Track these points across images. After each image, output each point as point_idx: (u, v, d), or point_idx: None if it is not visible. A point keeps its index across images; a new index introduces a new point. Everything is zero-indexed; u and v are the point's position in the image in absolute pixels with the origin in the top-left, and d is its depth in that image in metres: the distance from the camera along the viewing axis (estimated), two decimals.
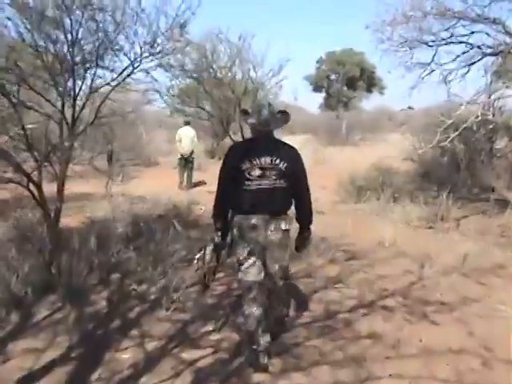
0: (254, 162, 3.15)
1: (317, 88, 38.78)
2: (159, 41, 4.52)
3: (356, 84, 37.10)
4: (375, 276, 4.96)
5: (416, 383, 3.05)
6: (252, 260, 3.22)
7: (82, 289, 4.37)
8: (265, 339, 3.22)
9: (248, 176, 3.15)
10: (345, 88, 37.35)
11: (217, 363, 3.26)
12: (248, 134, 3.67)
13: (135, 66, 4.54)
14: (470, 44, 7.43)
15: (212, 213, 3.36)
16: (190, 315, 3.97)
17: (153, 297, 4.30)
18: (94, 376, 3.08)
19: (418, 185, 9.76)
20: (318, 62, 38.28)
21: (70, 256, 4.61)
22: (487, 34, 7.23)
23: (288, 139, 4.37)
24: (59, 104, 4.28)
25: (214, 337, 3.62)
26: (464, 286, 4.72)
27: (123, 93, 5.28)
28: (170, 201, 7.70)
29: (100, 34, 4.29)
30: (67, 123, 4.32)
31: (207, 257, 3.35)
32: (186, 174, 11.72)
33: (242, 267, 3.25)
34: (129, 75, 4.58)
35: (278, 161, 3.18)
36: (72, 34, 4.16)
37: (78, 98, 4.40)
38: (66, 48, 4.19)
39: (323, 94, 39.28)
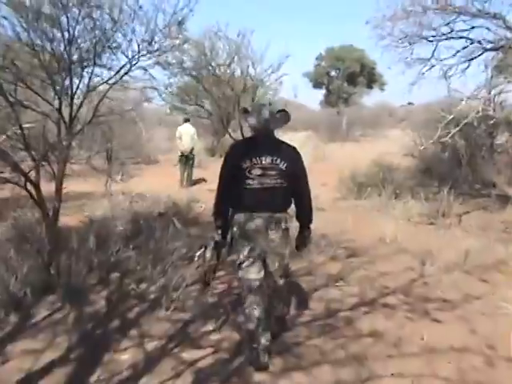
0: (255, 162, 3.16)
1: (317, 85, 38.72)
2: (157, 38, 4.48)
3: (356, 80, 37.03)
4: (376, 273, 4.94)
5: (418, 382, 3.03)
6: (252, 258, 3.21)
7: (82, 289, 4.35)
8: (265, 338, 3.20)
9: (248, 175, 3.16)
10: (345, 84, 37.28)
11: (217, 363, 3.24)
12: (248, 132, 3.65)
13: (133, 63, 4.50)
14: (471, 39, 7.39)
15: (212, 211, 3.37)
16: (190, 314, 3.94)
17: (152, 296, 4.27)
18: (93, 377, 3.06)
19: (418, 181, 9.73)
20: (317, 58, 38.23)
21: (69, 256, 4.59)
22: (488, 28, 7.18)
23: (289, 136, 4.36)
24: (56, 103, 4.25)
25: (215, 336, 3.60)
26: (466, 283, 4.69)
27: (121, 91, 5.25)
28: (170, 199, 7.68)
29: (97, 32, 4.26)
30: (65, 122, 4.29)
31: (207, 255, 3.34)
32: (186, 172, 11.70)
33: (243, 265, 3.24)
34: (126, 73, 4.55)
35: (278, 160, 3.19)
36: (69, 32, 4.12)
37: (76, 96, 4.36)
38: (62, 46, 4.15)
39: (323, 91, 39.26)
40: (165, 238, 5.44)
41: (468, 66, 7.56)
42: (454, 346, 3.45)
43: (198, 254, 3.40)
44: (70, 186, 5.69)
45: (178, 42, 4.70)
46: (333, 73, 37.81)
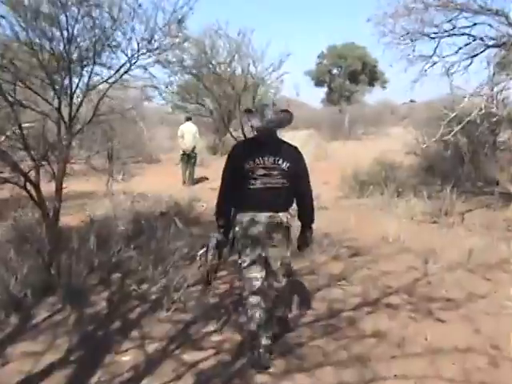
0: (258, 162, 3.17)
1: (319, 83, 38.62)
2: (157, 37, 4.47)
3: (358, 78, 36.92)
4: (379, 272, 4.90)
5: (422, 383, 2.99)
6: (254, 258, 3.20)
7: (82, 289, 4.33)
8: (267, 339, 3.18)
9: (251, 175, 3.17)
10: (347, 82, 37.19)
11: (219, 364, 3.21)
12: (249, 130, 3.63)
13: (133, 62, 4.49)
14: (473, 36, 7.36)
15: (215, 210, 3.36)
16: (192, 315, 3.91)
17: (154, 297, 4.25)
18: (94, 379, 3.03)
19: (421, 179, 9.67)
20: (319, 56, 38.12)
21: (69, 256, 4.57)
22: (490, 25, 7.17)
23: (291, 134, 4.32)
24: (56, 102, 4.23)
25: (216, 337, 3.57)
26: (470, 282, 4.64)
27: (122, 90, 5.23)
28: (171, 198, 7.66)
29: (97, 31, 4.24)
30: (64, 122, 4.26)
31: (209, 254, 3.32)
32: (188, 171, 11.68)
33: (245, 265, 3.23)
34: (126, 72, 4.52)
35: (280, 161, 3.19)
36: (68, 31, 4.11)
37: (75, 95, 4.34)
38: (62, 45, 4.14)
39: (325, 89, 39.15)
40: (166, 238, 5.41)
41: (470, 63, 7.54)
42: (458, 346, 3.41)
43: (199, 253, 3.40)
44: (71, 186, 5.68)
45: (177, 40, 4.69)
46: (334, 71, 37.70)
